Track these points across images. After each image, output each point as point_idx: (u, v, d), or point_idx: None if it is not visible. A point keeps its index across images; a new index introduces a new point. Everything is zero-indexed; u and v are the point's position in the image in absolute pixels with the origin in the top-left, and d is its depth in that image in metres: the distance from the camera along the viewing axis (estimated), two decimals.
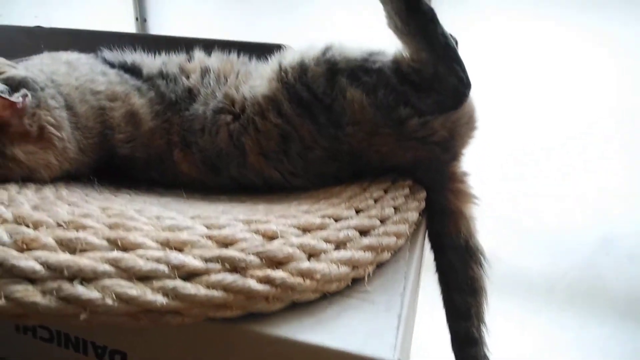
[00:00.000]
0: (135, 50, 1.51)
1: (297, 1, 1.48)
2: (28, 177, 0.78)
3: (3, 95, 0.70)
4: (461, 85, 0.76)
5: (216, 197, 0.85)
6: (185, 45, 1.47)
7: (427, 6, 0.75)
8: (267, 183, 0.89)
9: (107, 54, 1.03)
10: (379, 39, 1.34)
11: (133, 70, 0.97)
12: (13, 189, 0.72)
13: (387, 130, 0.78)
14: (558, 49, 1.23)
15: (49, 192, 0.74)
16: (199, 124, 0.89)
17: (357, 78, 0.77)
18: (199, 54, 1.03)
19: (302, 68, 0.80)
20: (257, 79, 0.87)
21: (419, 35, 0.75)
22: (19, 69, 0.81)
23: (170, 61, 0.99)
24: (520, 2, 1.21)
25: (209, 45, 1.44)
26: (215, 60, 1.00)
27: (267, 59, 1.08)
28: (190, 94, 0.92)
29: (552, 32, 1.22)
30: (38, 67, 0.87)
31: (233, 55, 1.04)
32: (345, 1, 1.43)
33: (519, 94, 1.29)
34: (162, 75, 0.95)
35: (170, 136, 0.91)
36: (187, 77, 0.95)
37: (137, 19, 1.67)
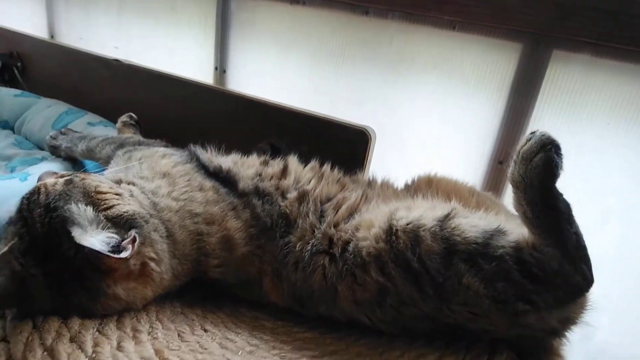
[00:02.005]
0: (211, 101, 1.52)
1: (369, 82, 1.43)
2: (123, 309, 0.78)
3: (113, 254, 0.69)
4: (584, 283, 0.71)
5: (304, 343, 0.83)
6: (264, 109, 1.46)
7: (565, 203, 0.69)
8: (353, 322, 0.87)
9: (201, 155, 1.00)
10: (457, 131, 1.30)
11: (228, 181, 0.95)
12: (114, 337, 0.72)
13: (499, 318, 0.74)
14: None
15: (146, 339, 0.73)
16: (294, 259, 0.86)
17: (476, 264, 0.72)
18: (293, 163, 1.00)
19: (416, 238, 0.75)
20: (361, 229, 0.83)
21: (550, 231, 0.70)
22: (125, 198, 0.80)
23: (265, 173, 0.96)
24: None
25: (288, 116, 1.42)
26: (309, 175, 0.97)
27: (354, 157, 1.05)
28: (287, 221, 0.90)
29: None
30: (139, 185, 0.86)
31: (326, 168, 1.02)
32: (418, 83, 1.37)
33: None
34: (258, 192, 0.92)
35: (262, 265, 0.89)
36: (283, 196, 0.93)
37: (216, 68, 1.65)
